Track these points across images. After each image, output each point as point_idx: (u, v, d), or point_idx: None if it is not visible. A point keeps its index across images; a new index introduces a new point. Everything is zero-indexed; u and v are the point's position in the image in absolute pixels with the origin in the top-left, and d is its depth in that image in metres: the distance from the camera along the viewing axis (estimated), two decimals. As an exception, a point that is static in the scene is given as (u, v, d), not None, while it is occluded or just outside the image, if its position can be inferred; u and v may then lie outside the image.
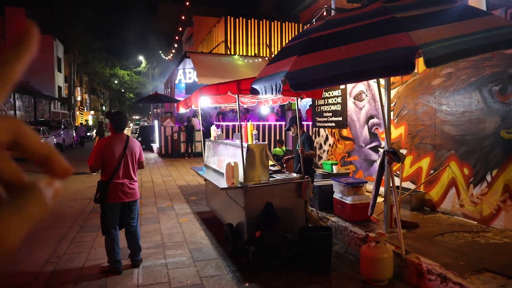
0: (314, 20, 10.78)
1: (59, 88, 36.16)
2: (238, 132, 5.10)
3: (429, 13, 3.21)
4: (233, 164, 4.71)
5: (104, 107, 61.16)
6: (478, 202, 5.11)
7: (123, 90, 49.26)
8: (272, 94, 3.72)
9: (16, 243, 0.35)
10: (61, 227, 6.12)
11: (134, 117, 66.21)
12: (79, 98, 42.79)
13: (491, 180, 4.92)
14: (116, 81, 46.27)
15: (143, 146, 16.28)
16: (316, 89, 4.70)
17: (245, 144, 4.86)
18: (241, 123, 5.10)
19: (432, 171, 5.86)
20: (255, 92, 4.13)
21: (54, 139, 19.33)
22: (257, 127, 14.91)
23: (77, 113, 41.35)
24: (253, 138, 5.10)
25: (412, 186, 6.14)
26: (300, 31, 21.76)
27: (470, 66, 5.15)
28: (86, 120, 46.43)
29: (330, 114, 8.60)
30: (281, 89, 3.48)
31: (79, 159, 12.91)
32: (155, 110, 22.89)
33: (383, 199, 4.82)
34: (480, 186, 5.08)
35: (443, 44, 2.75)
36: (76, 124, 33.86)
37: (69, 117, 34.39)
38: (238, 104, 5.12)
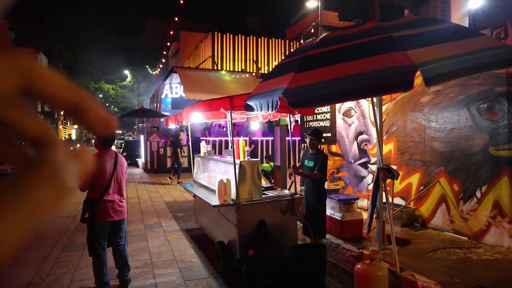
0: (302, 36, 10.92)
1: (42, 101, 35.54)
2: (230, 148, 5.04)
3: (424, 33, 3.27)
4: (225, 181, 4.64)
5: (87, 121, 60.10)
6: (468, 218, 5.14)
7: (107, 104, 48.75)
8: (268, 110, 3.69)
9: (12, 249, 0.25)
10: (44, 246, 5.89)
11: (117, 131, 65.35)
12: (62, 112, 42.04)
13: (481, 196, 4.97)
14: (100, 95, 45.79)
15: (128, 161, 15.97)
16: (315, 106, 4.68)
17: (237, 161, 4.80)
18: (234, 138, 5.04)
19: (422, 187, 5.89)
20: (249, 108, 4.09)
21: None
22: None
23: (60, 127, 40.63)
24: (245, 155, 5.05)
25: (402, 202, 6.15)
26: (287, 47, 22.06)
27: (458, 84, 5.25)
28: (70, 135, 45.61)
29: (319, 130, 8.62)
30: (278, 106, 3.46)
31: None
32: (141, 124, 22.66)
33: (375, 215, 4.80)
34: (470, 202, 5.12)
35: (441, 63, 2.79)
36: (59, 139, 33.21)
37: (51, 131, 33.73)
38: (230, 120, 5.07)
